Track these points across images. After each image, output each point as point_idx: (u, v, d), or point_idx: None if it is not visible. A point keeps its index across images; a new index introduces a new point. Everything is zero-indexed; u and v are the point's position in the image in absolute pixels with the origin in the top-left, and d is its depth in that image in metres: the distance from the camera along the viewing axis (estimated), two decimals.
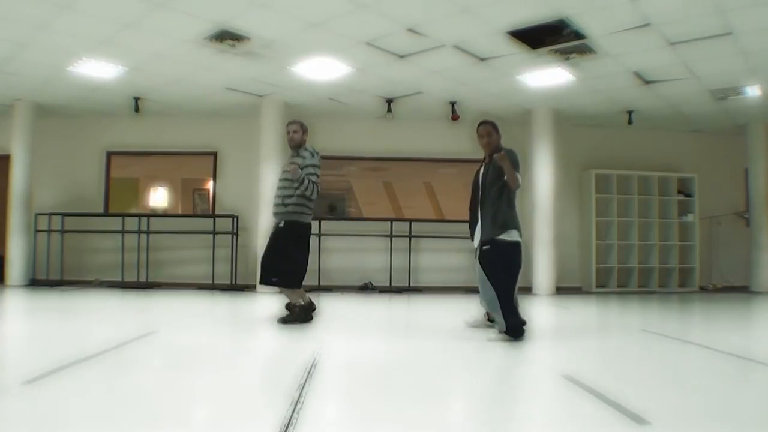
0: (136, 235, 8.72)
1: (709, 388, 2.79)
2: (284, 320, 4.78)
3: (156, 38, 6.09)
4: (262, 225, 8.30)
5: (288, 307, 4.90)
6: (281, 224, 4.78)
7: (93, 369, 2.94)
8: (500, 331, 3.97)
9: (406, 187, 10.10)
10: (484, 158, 4.33)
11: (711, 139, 9.95)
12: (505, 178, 3.99)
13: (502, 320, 3.96)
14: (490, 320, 4.30)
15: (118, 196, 9.60)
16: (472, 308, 6.14)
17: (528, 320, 4.07)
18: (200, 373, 2.96)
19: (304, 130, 4.92)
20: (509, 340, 3.90)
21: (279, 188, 4.87)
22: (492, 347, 3.72)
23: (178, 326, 4.89)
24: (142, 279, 8.69)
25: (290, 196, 4.74)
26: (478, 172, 4.34)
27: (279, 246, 4.79)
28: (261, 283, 4.86)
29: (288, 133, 4.89)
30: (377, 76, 7.31)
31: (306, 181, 4.67)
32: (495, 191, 4.08)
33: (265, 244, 5.00)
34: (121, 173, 9.70)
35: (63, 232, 8.69)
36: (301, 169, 4.68)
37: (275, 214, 4.85)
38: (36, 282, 8.51)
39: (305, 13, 5.54)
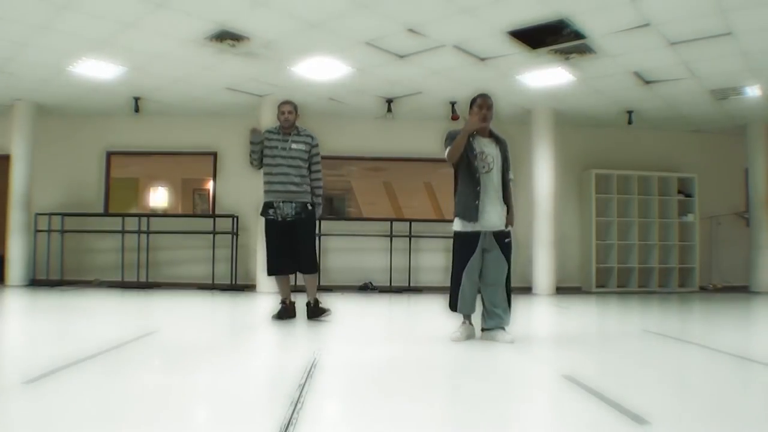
0: (136, 235, 8.72)
1: (709, 388, 2.79)
2: (324, 315, 4.88)
3: (156, 38, 6.09)
4: (262, 225, 8.28)
5: (316, 302, 4.94)
6: (309, 207, 4.83)
7: (93, 369, 2.93)
8: (504, 327, 3.96)
9: (406, 187, 10.09)
10: (470, 130, 3.90)
11: (711, 139, 9.95)
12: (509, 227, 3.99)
13: (509, 315, 3.94)
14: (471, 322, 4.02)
15: (118, 196, 9.59)
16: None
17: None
18: (200, 373, 2.96)
19: (298, 113, 4.93)
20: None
21: (291, 167, 4.77)
22: (490, 347, 3.72)
23: (178, 326, 4.89)
24: (142, 279, 8.69)
25: (305, 176, 4.82)
26: (468, 140, 3.89)
27: (312, 233, 4.90)
28: (307, 272, 4.88)
29: (283, 113, 4.85)
30: (377, 76, 7.31)
31: (321, 183, 4.97)
32: (500, 180, 3.97)
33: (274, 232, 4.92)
34: (121, 173, 9.69)
35: (63, 232, 8.69)
36: (312, 149, 4.87)
37: (294, 192, 4.76)
38: (36, 282, 8.51)
39: (305, 13, 5.54)
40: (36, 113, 8.59)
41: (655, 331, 4.74)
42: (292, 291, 5.11)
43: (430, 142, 9.37)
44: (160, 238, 8.89)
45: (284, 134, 4.87)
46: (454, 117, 8.46)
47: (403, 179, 9.96)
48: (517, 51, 6.38)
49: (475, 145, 3.95)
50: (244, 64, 6.86)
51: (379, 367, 3.19)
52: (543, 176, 8.69)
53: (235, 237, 8.66)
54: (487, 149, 3.97)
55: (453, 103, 8.39)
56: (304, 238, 4.84)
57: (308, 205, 4.83)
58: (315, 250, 4.96)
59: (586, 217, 9.42)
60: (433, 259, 9.13)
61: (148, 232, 8.75)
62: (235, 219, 8.67)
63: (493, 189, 3.92)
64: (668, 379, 2.99)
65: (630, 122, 8.83)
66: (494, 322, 3.92)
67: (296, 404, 2.23)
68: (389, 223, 9.06)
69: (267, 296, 7.23)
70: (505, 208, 3.99)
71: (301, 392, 2.42)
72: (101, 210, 9.24)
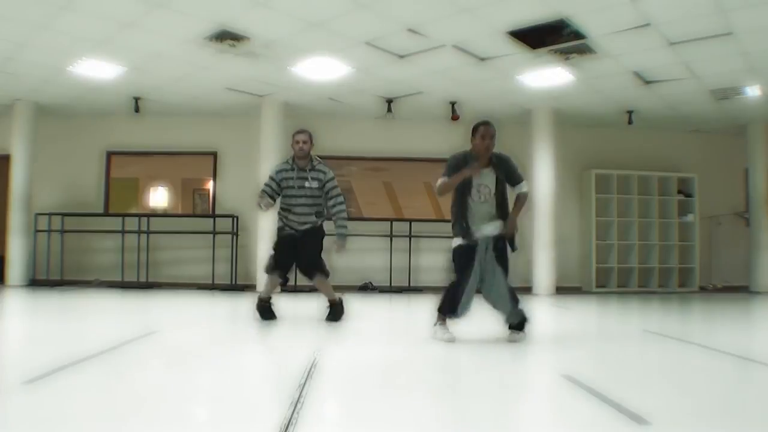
0: (136, 235, 8.72)
1: (709, 388, 2.78)
2: (337, 317, 4.93)
3: (156, 38, 6.09)
4: (262, 225, 8.30)
5: (333, 304, 4.99)
6: (318, 224, 4.93)
7: (93, 369, 2.93)
8: (518, 326, 3.96)
9: (406, 187, 10.08)
10: (468, 155, 4.00)
11: (711, 139, 9.95)
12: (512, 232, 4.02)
13: (523, 310, 3.98)
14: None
15: (118, 196, 9.59)
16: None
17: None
18: (200, 373, 2.96)
19: (312, 142, 4.91)
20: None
21: (307, 199, 4.83)
22: (491, 348, 3.72)
23: (178, 326, 4.89)
24: (142, 279, 8.69)
25: (320, 206, 4.92)
26: (463, 165, 3.97)
27: (318, 241, 4.98)
28: (310, 276, 4.98)
29: (297, 142, 4.81)
30: (377, 76, 7.31)
31: (345, 214, 4.98)
32: (495, 207, 4.02)
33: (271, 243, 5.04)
34: (121, 173, 9.69)
35: (63, 232, 8.70)
36: (326, 183, 4.88)
37: (304, 223, 4.86)
38: (36, 282, 8.51)
39: (305, 13, 5.54)
40: (36, 113, 8.59)
41: (655, 331, 4.74)
42: (308, 292, 5.18)
43: (430, 142, 9.39)
44: (160, 238, 8.89)
45: (299, 169, 4.84)
46: (454, 117, 8.45)
47: (403, 179, 9.95)
48: (517, 51, 6.38)
49: (473, 177, 3.98)
50: (244, 64, 6.86)
51: (379, 367, 3.19)
52: (543, 176, 8.68)
53: (235, 237, 8.66)
54: (485, 180, 3.99)
55: (453, 103, 8.38)
56: (309, 244, 4.91)
57: (318, 221, 4.94)
58: (319, 253, 4.99)
59: (586, 217, 9.42)
60: (434, 260, 9.13)
61: (148, 232, 8.74)
62: (235, 219, 8.66)
63: (482, 217, 3.99)
64: (668, 379, 2.99)
65: (630, 122, 8.83)
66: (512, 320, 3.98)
67: (296, 404, 2.23)
68: (389, 223, 9.06)
69: None
70: (500, 222, 4.00)
71: (301, 392, 2.42)
72: (101, 210, 9.24)
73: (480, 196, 3.98)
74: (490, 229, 3.97)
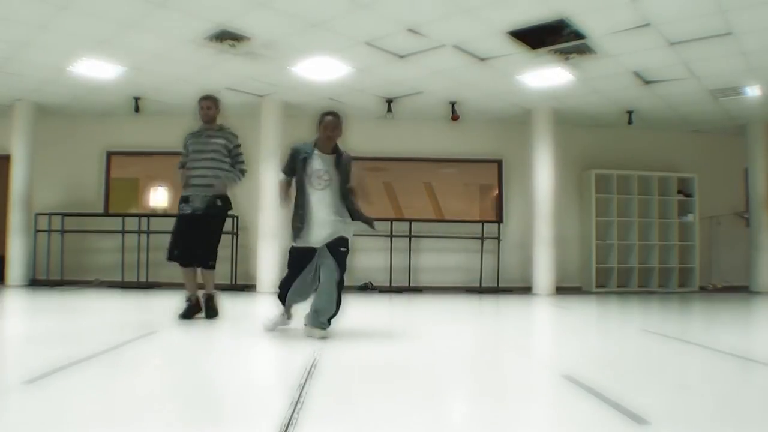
0: (136, 235, 8.72)
1: (709, 388, 2.78)
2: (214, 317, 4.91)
3: (156, 38, 6.09)
4: (262, 225, 8.31)
5: (211, 299, 5.00)
6: (219, 202, 4.89)
7: (93, 369, 2.93)
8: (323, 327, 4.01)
9: (406, 187, 10.09)
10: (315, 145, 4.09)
11: (711, 139, 9.95)
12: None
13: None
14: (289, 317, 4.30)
15: (118, 196, 9.59)
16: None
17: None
18: (200, 373, 2.96)
19: (218, 107, 4.97)
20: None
21: (210, 160, 4.86)
22: (492, 347, 3.72)
23: (177, 326, 4.88)
24: (142, 279, 8.69)
25: (224, 169, 4.93)
26: (305, 159, 4.02)
27: (219, 227, 4.98)
28: (200, 266, 5.00)
29: (203, 108, 4.92)
30: (377, 76, 7.31)
31: (240, 175, 5.09)
32: (345, 190, 4.04)
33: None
34: (121, 173, 9.69)
35: (63, 232, 8.70)
36: (232, 149, 4.98)
37: (207, 186, 4.84)
38: (36, 282, 8.52)
39: (305, 13, 5.54)
40: (36, 113, 8.60)
41: (655, 331, 4.74)
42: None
43: (430, 142, 9.39)
44: (160, 238, 8.87)
45: (206, 131, 4.94)
46: (454, 117, 8.46)
47: (403, 179, 9.95)
48: (517, 51, 6.38)
49: (313, 163, 4.02)
50: (244, 64, 6.86)
51: (379, 367, 3.19)
52: (543, 176, 8.68)
53: (235, 237, 8.65)
54: (326, 167, 4.04)
55: (453, 103, 8.39)
56: (207, 232, 4.93)
57: (218, 200, 4.88)
58: (215, 243, 5.02)
59: (586, 217, 9.42)
60: (434, 260, 9.13)
61: (148, 232, 8.74)
62: (235, 219, 8.66)
63: (324, 206, 4.00)
64: (668, 379, 2.99)
65: (630, 122, 8.84)
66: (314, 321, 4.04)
67: (296, 404, 2.23)
68: (389, 223, 9.05)
69: (268, 296, 7.23)
70: (342, 218, 4.03)
71: (301, 392, 2.42)
72: (101, 210, 9.24)
73: (320, 183, 4.01)
74: (323, 235, 3.98)
